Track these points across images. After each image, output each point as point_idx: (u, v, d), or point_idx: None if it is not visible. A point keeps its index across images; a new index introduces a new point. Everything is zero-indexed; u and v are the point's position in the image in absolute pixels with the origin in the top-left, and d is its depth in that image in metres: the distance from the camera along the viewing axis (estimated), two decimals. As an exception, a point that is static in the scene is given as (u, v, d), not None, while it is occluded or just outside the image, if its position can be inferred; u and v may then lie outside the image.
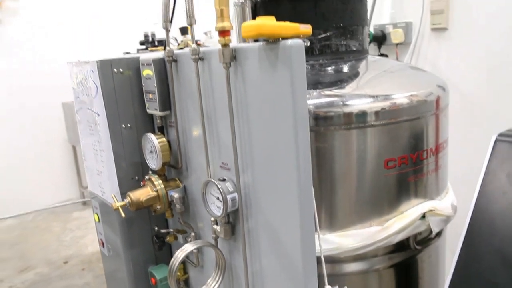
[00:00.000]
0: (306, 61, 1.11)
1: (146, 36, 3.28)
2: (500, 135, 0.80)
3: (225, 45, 0.79)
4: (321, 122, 0.96)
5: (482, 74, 1.85)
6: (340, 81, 1.08)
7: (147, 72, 1.04)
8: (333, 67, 1.11)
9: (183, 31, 2.90)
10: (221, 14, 0.78)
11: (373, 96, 0.99)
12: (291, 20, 1.11)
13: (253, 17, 1.11)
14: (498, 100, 1.81)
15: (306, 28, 0.73)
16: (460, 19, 1.89)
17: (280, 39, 0.72)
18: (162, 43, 3.08)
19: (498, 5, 1.74)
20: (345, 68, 1.12)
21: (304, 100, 0.73)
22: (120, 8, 4.33)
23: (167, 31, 1.01)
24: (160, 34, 3.24)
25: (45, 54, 4.30)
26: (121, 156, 1.11)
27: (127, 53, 3.39)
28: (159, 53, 1.03)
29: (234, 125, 0.84)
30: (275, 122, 0.76)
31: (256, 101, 0.79)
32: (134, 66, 1.10)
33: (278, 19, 1.12)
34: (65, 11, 4.26)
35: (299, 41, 0.70)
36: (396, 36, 2.05)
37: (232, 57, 0.80)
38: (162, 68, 1.02)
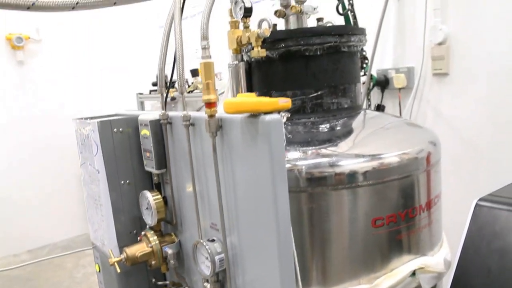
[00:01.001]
0: (298, 119, 1.16)
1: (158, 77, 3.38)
2: (481, 199, 0.81)
3: (211, 116, 0.83)
4: (312, 183, 0.99)
5: (484, 119, 1.87)
6: (331, 139, 1.11)
7: (145, 132, 1.10)
8: (325, 125, 1.15)
9: (194, 73, 2.99)
10: (207, 87, 0.83)
11: (362, 156, 1.02)
12: (284, 79, 1.16)
13: (248, 77, 1.16)
14: (500, 145, 1.82)
15: (285, 103, 0.76)
16: (461, 64, 1.92)
17: (261, 114, 0.75)
18: (173, 85, 3.17)
19: (498, 50, 1.77)
20: (337, 126, 1.15)
21: (282, 171, 0.76)
22: (135, 50, 4.48)
23: (163, 96, 1.06)
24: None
25: (64, 93, 4.46)
26: (120, 210, 1.16)
27: (140, 93, 3.51)
28: (156, 114, 1.09)
29: (221, 189, 0.88)
30: (257, 189, 0.79)
31: (240, 167, 0.83)
32: (133, 124, 1.15)
33: (270, 78, 1.17)
34: (83, 53, 4.43)
35: (277, 117, 0.74)
36: (398, 81, 2.08)
37: (218, 127, 0.84)
38: (159, 129, 1.07)
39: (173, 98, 2.84)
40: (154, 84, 3.40)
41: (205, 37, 0.88)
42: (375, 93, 2.22)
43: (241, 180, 0.84)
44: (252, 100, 0.74)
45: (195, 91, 2.81)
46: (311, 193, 1.00)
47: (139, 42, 4.40)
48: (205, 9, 0.91)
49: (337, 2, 1.48)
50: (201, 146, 0.94)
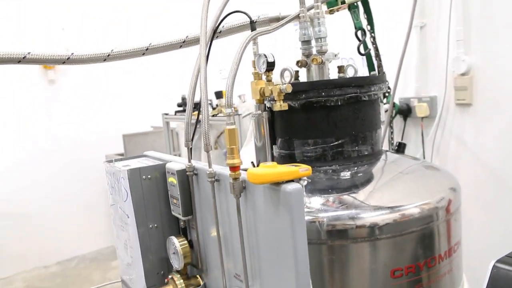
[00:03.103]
0: (319, 166, 1.19)
1: (183, 99, 3.46)
2: (498, 261, 0.83)
3: (235, 179, 0.88)
4: (332, 236, 1.02)
5: (508, 149, 1.86)
6: (351, 187, 1.14)
7: (172, 180, 1.15)
8: (346, 173, 1.18)
9: (218, 95, 3.06)
10: (232, 152, 0.88)
11: (382, 208, 1.04)
12: (306, 128, 1.20)
13: (270, 126, 1.20)
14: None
15: (305, 171, 0.80)
16: (484, 95, 1.92)
17: (282, 182, 0.79)
18: (197, 106, 3.23)
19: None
20: (357, 174, 1.18)
21: (303, 234, 0.80)
22: (161, 72, 4.59)
23: (189, 149, 1.11)
24: (198, 97, 3.41)
25: (93, 110, 4.60)
26: (148, 252, 1.21)
27: (166, 114, 3.59)
28: (182, 163, 1.13)
29: (244, 245, 0.92)
30: (279, 245, 0.83)
31: (263, 225, 0.87)
32: (161, 170, 1.21)
33: (292, 126, 1.21)
34: (112, 72, 4.56)
35: (298, 186, 0.78)
36: (421, 110, 2.09)
37: (241, 189, 0.88)
38: (185, 178, 1.12)
39: (198, 121, 2.91)
40: (180, 105, 3.48)
41: (229, 105, 0.93)
42: (397, 122, 2.24)
43: (263, 236, 0.88)
44: (274, 171, 0.78)
45: (219, 114, 2.87)
46: (331, 245, 1.03)
47: (167, 63, 4.51)
48: (229, 78, 0.96)
49: (358, 42, 1.51)
50: (226, 201, 0.98)
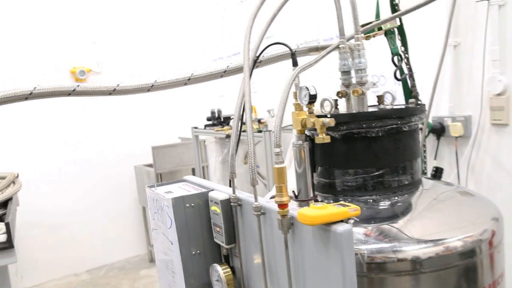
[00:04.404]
0: (360, 196, 1.20)
1: (212, 112, 3.51)
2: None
3: (283, 216, 0.90)
4: (374, 269, 1.03)
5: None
6: (392, 218, 1.15)
7: (215, 208, 1.18)
8: (386, 203, 1.18)
9: (248, 110, 3.08)
10: (280, 190, 0.90)
11: (425, 241, 1.05)
12: (346, 158, 1.21)
13: (311, 156, 1.22)
14: None
15: (355, 211, 0.82)
16: (522, 115, 1.89)
17: (332, 223, 0.81)
18: (226, 120, 3.29)
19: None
20: (397, 203, 1.19)
21: (353, 274, 0.81)
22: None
23: (233, 181, 1.14)
24: (226, 111, 3.47)
25: (123, 122, 4.70)
26: (190, 277, 1.24)
27: (195, 127, 3.65)
28: (226, 193, 1.16)
29: (291, 280, 0.94)
30: (327, 283, 0.85)
31: (310, 262, 0.89)
32: (203, 198, 1.24)
33: (333, 156, 1.22)
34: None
35: (348, 228, 0.80)
36: (455, 129, 2.08)
37: (289, 226, 0.91)
38: (229, 208, 1.15)
39: (227, 136, 2.94)
40: (209, 119, 3.53)
41: (278, 144, 0.95)
42: (430, 139, 2.22)
43: (310, 271, 0.90)
44: (325, 213, 0.80)
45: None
46: (373, 278, 1.04)
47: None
48: (277, 118, 0.98)
49: (394, 68, 1.52)
50: (271, 233, 1.01)
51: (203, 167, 4.00)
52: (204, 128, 3.50)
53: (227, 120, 3.32)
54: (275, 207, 0.97)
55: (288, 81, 1.03)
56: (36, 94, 1.16)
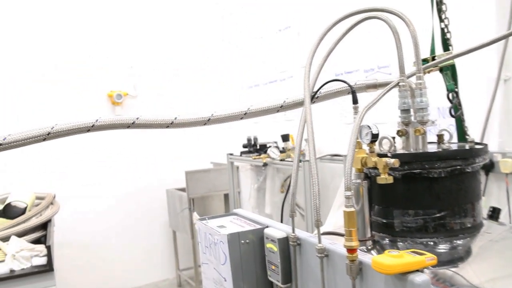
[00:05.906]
0: (420, 237, 1.16)
1: (249, 140, 3.52)
2: None
3: (352, 261, 0.88)
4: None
5: None
6: (454, 261, 1.11)
7: (271, 246, 1.16)
8: (447, 246, 1.14)
9: (284, 138, 3.08)
10: (350, 234, 0.88)
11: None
12: (406, 198, 1.18)
13: (369, 196, 1.19)
14: None
15: (431, 260, 0.79)
16: None
17: (408, 272, 0.78)
18: (263, 148, 3.29)
19: None
20: (459, 247, 1.15)
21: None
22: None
23: (293, 219, 1.12)
24: (262, 139, 3.48)
25: (156, 144, 4.77)
26: (242, 315, 1.22)
27: (231, 154, 3.66)
28: (283, 231, 1.15)
29: (357, 327, 0.91)
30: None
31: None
32: (258, 234, 1.22)
33: (392, 196, 1.20)
34: (175, 108, 4.73)
35: (426, 279, 0.77)
36: (505, 166, 2.02)
37: (358, 271, 0.88)
38: (286, 247, 1.13)
39: (265, 164, 2.94)
40: (245, 146, 3.54)
41: (348, 188, 0.93)
42: (478, 175, 2.16)
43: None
44: (402, 262, 0.77)
45: (287, 159, 2.89)
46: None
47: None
48: (347, 166, 0.97)
49: (450, 104, 1.49)
50: (334, 277, 0.98)
51: (238, 193, 4.00)
52: (240, 155, 3.51)
53: (263, 148, 3.32)
54: (340, 249, 0.95)
55: (357, 122, 1.02)
56: (98, 127, 1.18)
